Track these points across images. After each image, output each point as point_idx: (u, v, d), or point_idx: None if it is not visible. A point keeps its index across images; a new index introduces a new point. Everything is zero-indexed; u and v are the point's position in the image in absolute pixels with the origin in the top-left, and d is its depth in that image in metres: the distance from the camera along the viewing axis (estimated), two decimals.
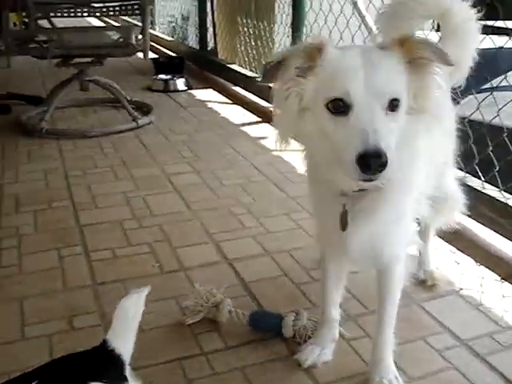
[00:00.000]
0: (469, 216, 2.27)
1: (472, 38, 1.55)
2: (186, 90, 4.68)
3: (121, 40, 3.50)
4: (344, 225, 1.26)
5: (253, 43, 4.15)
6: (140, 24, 3.71)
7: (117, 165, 2.97)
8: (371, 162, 1.02)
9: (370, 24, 3.70)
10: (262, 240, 2.16)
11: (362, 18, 3.60)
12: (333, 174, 1.17)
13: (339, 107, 1.07)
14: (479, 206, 2.25)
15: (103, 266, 2.00)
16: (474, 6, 1.56)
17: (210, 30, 5.39)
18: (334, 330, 1.57)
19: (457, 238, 2.19)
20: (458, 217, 1.87)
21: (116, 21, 8.23)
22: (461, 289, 1.87)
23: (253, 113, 3.88)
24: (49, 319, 1.70)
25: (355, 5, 3.55)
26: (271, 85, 1.17)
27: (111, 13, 3.92)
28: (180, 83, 4.71)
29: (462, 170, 2.43)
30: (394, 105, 1.09)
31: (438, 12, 1.56)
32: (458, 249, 2.12)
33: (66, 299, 1.81)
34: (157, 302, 1.72)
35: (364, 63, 1.08)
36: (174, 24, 10.47)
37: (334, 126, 1.08)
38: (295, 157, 3.03)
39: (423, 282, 1.90)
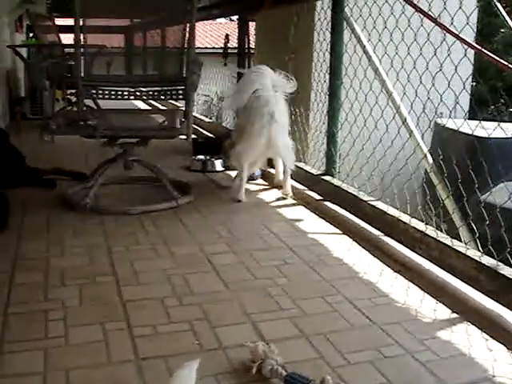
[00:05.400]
0: (501, 304, 2.33)
1: None
2: (223, 171, 4.84)
3: (165, 123, 3.69)
4: None
5: (289, 127, 4.30)
6: (183, 108, 3.90)
7: (157, 242, 3.08)
8: None
9: (404, 112, 3.85)
10: (299, 322, 2.23)
11: (397, 108, 3.75)
12: None
13: None
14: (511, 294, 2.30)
15: (145, 341, 2.08)
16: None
17: None
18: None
19: (489, 325, 2.23)
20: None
21: (161, 103, 8.59)
22: (493, 376, 1.91)
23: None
24: None
25: (390, 96, 3.72)
26: None
27: (156, 97, 4.13)
28: (218, 164, 4.88)
29: (494, 258, 2.50)
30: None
31: None
32: (491, 336, 2.16)
33: (111, 372, 1.88)
34: (196, 380, 1.78)
35: None
36: (209, 103, 10.85)
37: None
38: (330, 240, 3.13)
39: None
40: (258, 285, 2.58)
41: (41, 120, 7.04)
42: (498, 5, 4.25)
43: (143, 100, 7.32)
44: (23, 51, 7.71)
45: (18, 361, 1.95)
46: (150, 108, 8.63)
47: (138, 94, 4.16)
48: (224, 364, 1.94)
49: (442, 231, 2.88)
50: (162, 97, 4.05)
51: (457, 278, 2.59)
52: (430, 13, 3.13)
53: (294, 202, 3.91)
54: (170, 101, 7.59)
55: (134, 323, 2.20)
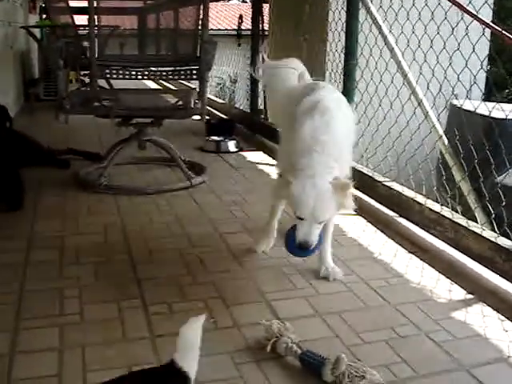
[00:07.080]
0: None
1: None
2: (236, 152, 4.84)
3: (180, 103, 3.67)
4: None
5: None
6: (197, 88, 3.87)
7: (172, 222, 3.09)
8: None
9: (420, 93, 3.82)
10: (313, 301, 2.23)
11: (412, 89, 3.72)
12: None
13: None
14: None
15: (160, 319, 2.09)
16: None
17: (262, 94, 5.58)
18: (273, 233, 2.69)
19: (505, 306, 2.22)
20: None
21: (172, 84, 8.57)
22: (509, 356, 1.90)
23: None
24: (110, 367, 1.77)
25: (405, 77, 3.68)
26: None
27: (170, 77, 4.10)
28: (231, 145, 4.87)
29: (510, 239, 2.48)
30: None
31: None
32: (506, 317, 2.15)
33: (126, 349, 1.89)
34: (212, 357, 1.78)
35: None
36: (222, 85, 10.82)
37: None
38: (345, 221, 3.11)
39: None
40: (272, 264, 2.58)
41: (54, 101, 7.04)
42: None
43: (153, 80, 7.28)
44: (36, 32, 7.69)
45: (34, 337, 1.96)
46: (161, 88, 8.61)
47: (152, 74, 4.14)
48: (239, 342, 1.94)
49: (457, 212, 2.86)
50: (176, 77, 4.03)
51: (472, 259, 2.57)
52: None
53: None
54: (181, 81, 7.57)
55: (148, 301, 2.21)
